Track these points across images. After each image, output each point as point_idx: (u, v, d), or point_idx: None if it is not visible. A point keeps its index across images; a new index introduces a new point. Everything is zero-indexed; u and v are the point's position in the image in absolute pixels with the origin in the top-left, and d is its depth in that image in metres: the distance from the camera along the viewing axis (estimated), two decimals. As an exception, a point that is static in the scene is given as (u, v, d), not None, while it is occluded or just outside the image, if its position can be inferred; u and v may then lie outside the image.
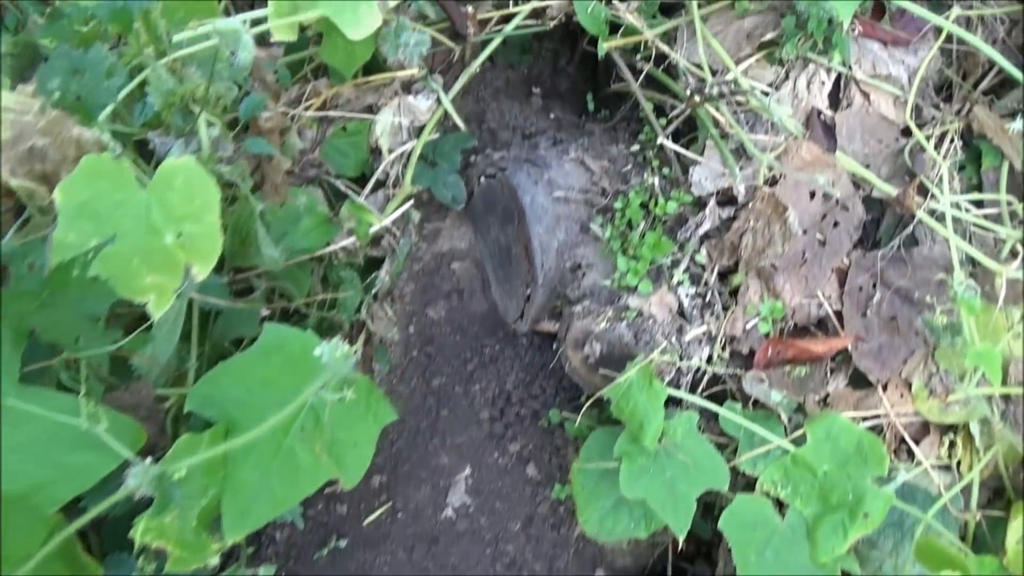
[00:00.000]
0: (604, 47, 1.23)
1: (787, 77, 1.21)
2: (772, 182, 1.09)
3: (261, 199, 0.93)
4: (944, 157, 1.20)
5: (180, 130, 0.81)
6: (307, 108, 1.17)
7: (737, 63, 1.21)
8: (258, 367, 0.89)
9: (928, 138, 1.21)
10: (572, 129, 1.43)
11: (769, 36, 1.21)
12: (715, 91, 1.09)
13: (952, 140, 1.22)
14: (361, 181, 1.27)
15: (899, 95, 1.21)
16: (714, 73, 1.22)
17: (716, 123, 1.15)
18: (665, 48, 1.21)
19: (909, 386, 1.14)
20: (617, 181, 1.23)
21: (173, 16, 1.19)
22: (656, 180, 1.16)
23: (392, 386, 1.21)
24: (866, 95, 1.21)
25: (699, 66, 1.19)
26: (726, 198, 1.12)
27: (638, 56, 1.25)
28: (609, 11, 1.24)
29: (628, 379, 1.01)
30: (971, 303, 1.00)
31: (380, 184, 1.27)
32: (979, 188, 1.23)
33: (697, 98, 1.11)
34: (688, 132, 1.26)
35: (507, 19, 1.32)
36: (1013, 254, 1.18)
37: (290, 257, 1.02)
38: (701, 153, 1.16)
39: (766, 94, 1.19)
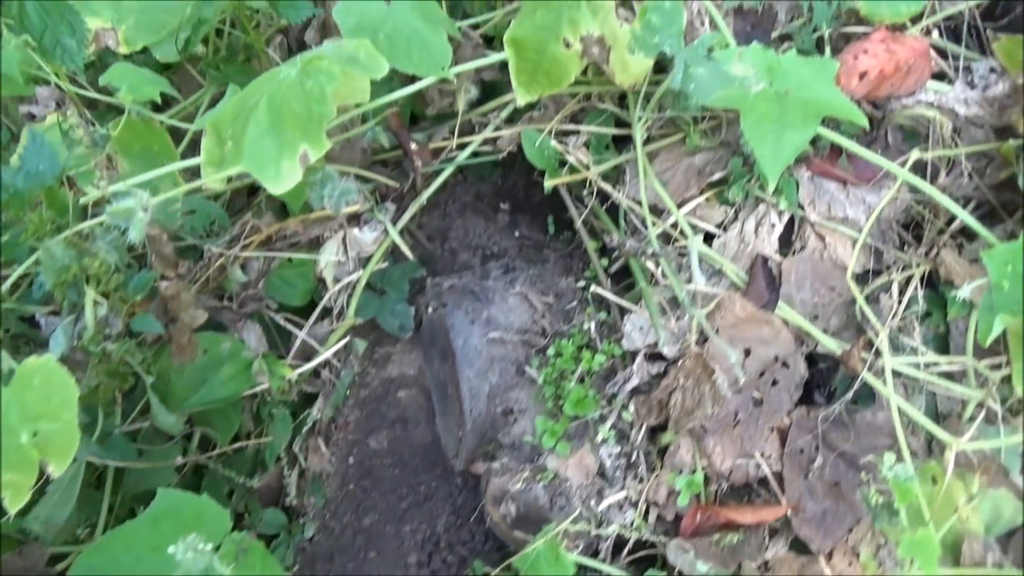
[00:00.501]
0: (548, 184, 1.21)
1: (736, 218, 1.16)
2: (705, 338, 1.05)
3: (170, 356, 0.95)
4: (905, 304, 1.13)
5: (72, 307, 0.84)
6: (247, 245, 1.19)
7: (684, 203, 1.17)
8: (149, 534, 0.89)
9: (889, 283, 1.15)
10: (531, 252, 1.41)
11: (720, 175, 1.17)
12: (641, 250, 1.06)
13: (916, 286, 1.14)
14: (310, 308, 1.27)
15: (858, 238, 1.15)
16: (660, 212, 1.19)
17: (651, 273, 1.11)
18: (607, 188, 1.18)
19: (858, 554, 1.06)
20: (560, 320, 1.20)
21: (129, 150, 1.24)
22: (593, 325, 1.13)
23: (324, 521, 1.20)
24: (822, 238, 1.15)
25: (643, 204, 1.16)
26: (657, 352, 1.08)
27: (585, 191, 1.23)
28: (556, 146, 1.23)
29: (535, 549, 0.97)
30: (905, 488, 0.92)
31: (327, 312, 1.27)
32: (946, 338, 1.15)
33: (627, 248, 1.08)
34: (635, 270, 1.22)
35: (463, 146, 1.32)
36: (981, 408, 1.09)
37: (208, 406, 1.03)
38: (638, 301, 1.13)
39: (710, 237, 1.15)
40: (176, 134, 1.27)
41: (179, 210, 1.10)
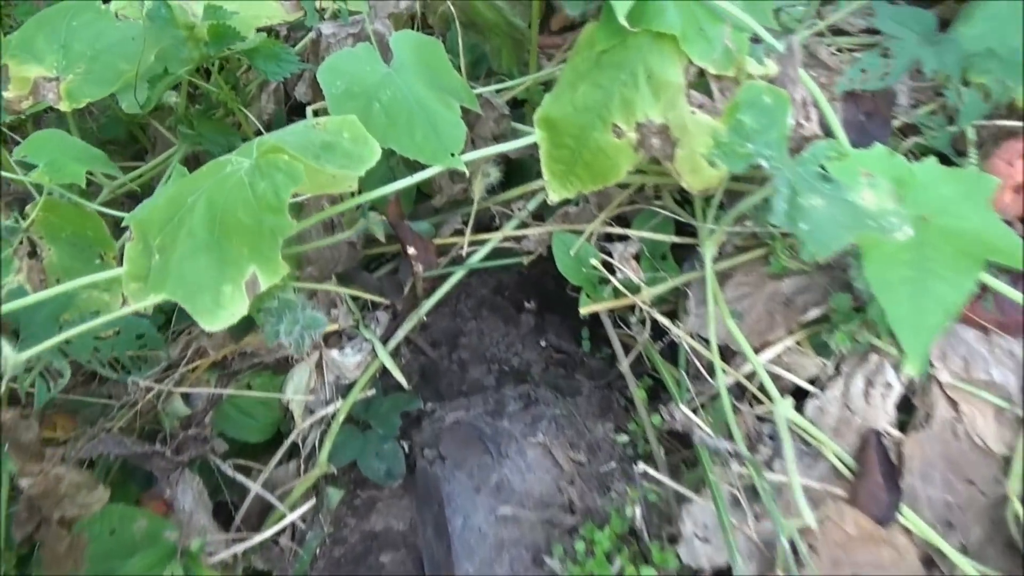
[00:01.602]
0: (585, 311, 0.92)
1: (838, 372, 0.86)
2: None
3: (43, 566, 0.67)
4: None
5: None
6: (194, 368, 0.92)
7: (765, 346, 0.87)
8: None
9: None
10: (559, 373, 1.12)
11: (817, 311, 0.87)
12: (722, 453, 0.76)
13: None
14: (274, 443, 1.00)
15: (1006, 408, 0.84)
16: (731, 356, 0.89)
17: (721, 451, 0.81)
18: (664, 320, 0.89)
19: None
20: (593, 487, 0.91)
21: (57, 236, 0.99)
22: (638, 512, 0.84)
23: None
24: (954, 405, 0.85)
25: (712, 347, 0.86)
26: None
27: (634, 317, 0.94)
28: (598, 254, 0.94)
29: None
30: None
31: (295, 450, 1.00)
32: None
33: (702, 444, 0.78)
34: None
35: (479, 241, 1.04)
36: None
37: (109, 611, 0.75)
38: (700, 487, 0.83)
39: (803, 398, 0.85)
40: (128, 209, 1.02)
41: (96, 331, 0.84)
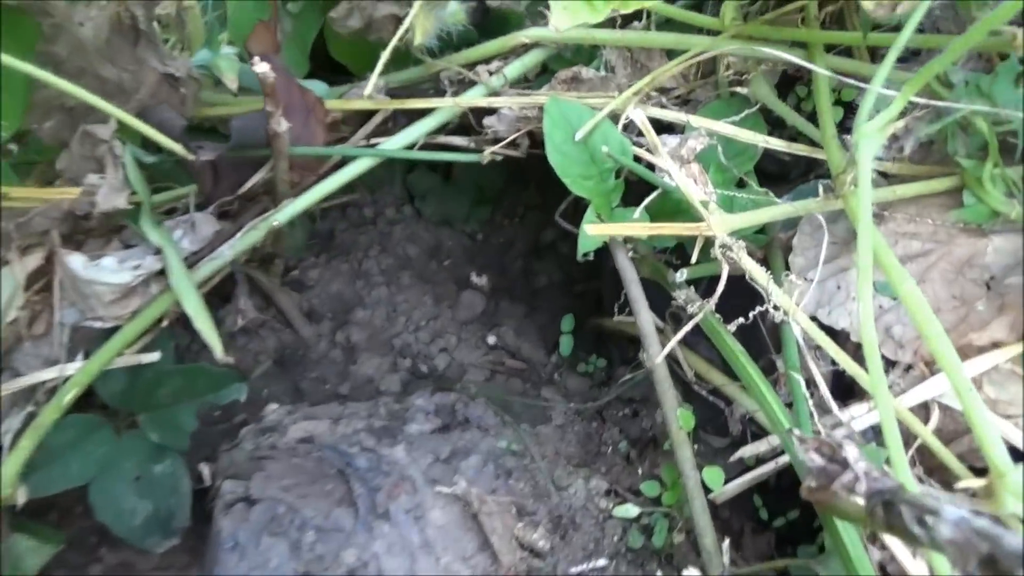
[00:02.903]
0: (595, 230, 0.45)
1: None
2: None
3: None
4: None
5: None
6: None
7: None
8: None
9: None
10: (511, 389, 0.65)
11: (1060, 299, 0.42)
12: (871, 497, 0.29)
13: None
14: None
15: None
16: (890, 364, 0.43)
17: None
18: (760, 274, 0.42)
19: None
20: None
21: None
22: None
23: None
24: None
25: (866, 338, 0.40)
26: None
27: (676, 275, 0.47)
28: (628, 144, 0.49)
29: None
30: None
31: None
32: None
33: (818, 487, 0.31)
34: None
35: (415, 116, 0.57)
36: None
37: None
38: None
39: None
40: None
41: None
